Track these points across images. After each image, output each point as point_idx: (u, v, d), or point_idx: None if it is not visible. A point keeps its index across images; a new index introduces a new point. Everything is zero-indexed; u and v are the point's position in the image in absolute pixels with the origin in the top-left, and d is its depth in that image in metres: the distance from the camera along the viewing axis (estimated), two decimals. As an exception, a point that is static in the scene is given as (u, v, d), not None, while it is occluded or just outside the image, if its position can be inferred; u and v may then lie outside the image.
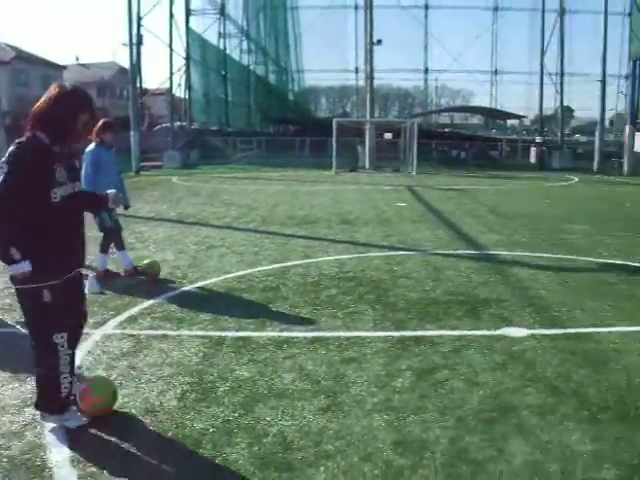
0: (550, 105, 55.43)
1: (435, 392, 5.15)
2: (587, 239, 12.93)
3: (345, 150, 35.55)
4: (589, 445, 4.35)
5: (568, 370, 5.69)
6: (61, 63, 70.07)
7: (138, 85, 38.22)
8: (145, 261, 9.18)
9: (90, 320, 5.99)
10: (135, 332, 6.59)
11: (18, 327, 6.43)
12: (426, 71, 59.03)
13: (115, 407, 4.78)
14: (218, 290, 8.36)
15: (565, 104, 52.56)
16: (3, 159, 4.13)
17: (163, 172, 32.87)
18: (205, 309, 7.36)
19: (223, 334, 6.52)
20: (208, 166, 36.06)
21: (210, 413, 4.70)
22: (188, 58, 45.13)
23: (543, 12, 51.02)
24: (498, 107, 56.28)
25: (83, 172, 7.73)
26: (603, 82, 40.11)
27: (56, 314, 4.34)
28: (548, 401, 5.04)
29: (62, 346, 4.39)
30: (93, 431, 4.46)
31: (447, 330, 6.73)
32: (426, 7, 57.12)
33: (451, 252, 11.05)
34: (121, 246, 9.09)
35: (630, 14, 39.05)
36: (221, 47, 54.46)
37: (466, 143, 46.69)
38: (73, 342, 4.57)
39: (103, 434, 4.42)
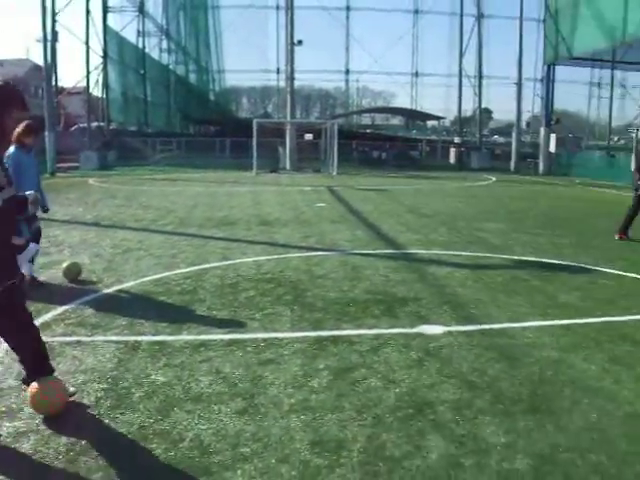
0: (469, 107, 56.52)
1: (352, 391, 5.17)
2: (503, 237, 13.23)
3: (266, 151, 35.49)
4: (503, 437, 4.45)
5: (483, 365, 5.81)
6: (-29, 59, 67.88)
7: (53, 83, 37.17)
8: (64, 264, 8.94)
9: None
10: (48, 339, 6.35)
11: None
12: (347, 72, 59.50)
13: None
14: (134, 294, 8.20)
15: (484, 106, 53.77)
16: None
17: (79, 174, 32.22)
18: (121, 314, 7.21)
19: (139, 339, 6.40)
20: (126, 167, 35.51)
21: (125, 420, 4.61)
22: (105, 56, 44.31)
23: (462, 16, 52.06)
24: (418, 108, 57.09)
25: None
26: (519, 85, 41.25)
27: None
28: (464, 396, 5.13)
29: None
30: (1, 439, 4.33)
31: (365, 329, 6.77)
32: (347, 9, 57.57)
33: (370, 252, 11.12)
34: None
35: (544, 20, 40.07)
36: (140, 46, 53.65)
37: (387, 144, 47.16)
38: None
39: (14, 445, 4.29)
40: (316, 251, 11.06)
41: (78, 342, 6.31)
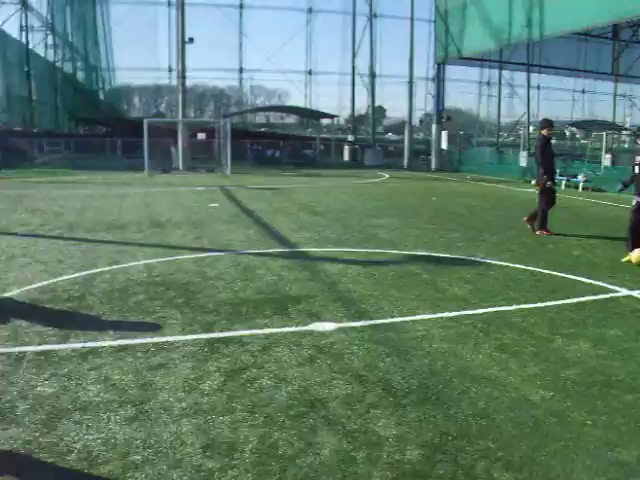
0: (363, 105, 57.18)
1: (244, 392, 5.14)
2: (395, 233, 13.44)
3: (159, 151, 34.85)
4: (394, 430, 4.53)
5: (374, 360, 5.88)
6: None
7: None
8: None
9: None
10: None
11: None
12: (241, 70, 59.08)
13: None
14: (19, 303, 7.86)
15: (378, 104, 54.63)
16: None
17: (-41, 178, 30.85)
18: (3, 324, 6.90)
19: (23, 349, 6.14)
20: (11, 170, 34.08)
21: (8, 435, 4.41)
22: (-16, 53, 42.52)
23: (354, 15, 52.52)
24: (313, 107, 57.35)
25: None
26: (411, 84, 42.09)
27: None
28: (355, 391, 5.18)
29: None
30: None
31: (256, 329, 6.74)
32: (240, 6, 57.13)
33: (262, 251, 11.08)
34: None
35: (435, 21, 40.96)
36: (23, 41, 51.69)
37: (281, 142, 47.19)
38: None
39: None
40: (208, 252, 10.93)
41: (-43, 356, 6.03)
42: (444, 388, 5.28)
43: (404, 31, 42.33)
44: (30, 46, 52.12)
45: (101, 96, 64.39)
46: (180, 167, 35.94)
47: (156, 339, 6.42)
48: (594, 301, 8.33)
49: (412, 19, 41.83)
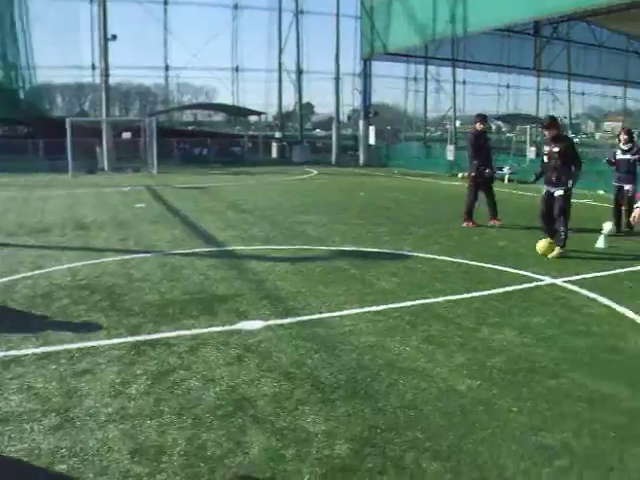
0: (291, 101, 57.04)
1: (171, 394, 5.08)
2: (322, 229, 13.47)
3: (83, 151, 34.12)
4: (323, 425, 4.54)
5: (302, 356, 5.88)
6: None
7: None
8: None
9: None
10: None
11: None
12: (167, 68, 58.26)
13: None
14: None
15: (305, 100, 54.51)
16: None
17: None
18: None
19: (-61, 362, 5.94)
20: None
21: None
22: None
23: (280, 11, 52.24)
24: (240, 104, 56.98)
25: None
26: (337, 80, 42.16)
27: None
28: (283, 388, 5.17)
29: None
30: None
31: (183, 330, 6.67)
32: (165, 2, 56.27)
33: (189, 251, 10.96)
34: None
35: (361, 17, 41.12)
36: None
37: (208, 140, 46.75)
38: None
39: None
40: (134, 253, 10.74)
41: None
42: (372, 382, 5.31)
43: (330, 27, 42.25)
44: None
45: (21, 95, 62.58)
46: (105, 167, 35.29)
47: (81, 344, 6.28)
48: (519, 290, 8.50)
49: (338, 15, 41.95)
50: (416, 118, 62.55)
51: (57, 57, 67.51)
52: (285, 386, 5.21)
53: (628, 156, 13.22)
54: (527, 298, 8.09)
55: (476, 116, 14.84)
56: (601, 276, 9.27)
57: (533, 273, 9.38)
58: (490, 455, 4.17)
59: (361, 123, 41.19)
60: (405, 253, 10.79)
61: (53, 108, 75.30)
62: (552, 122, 11.24)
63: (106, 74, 36.85)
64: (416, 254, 10.69)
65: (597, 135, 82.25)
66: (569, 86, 54.99)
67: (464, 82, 55.92)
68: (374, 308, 7.46)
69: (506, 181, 26.22)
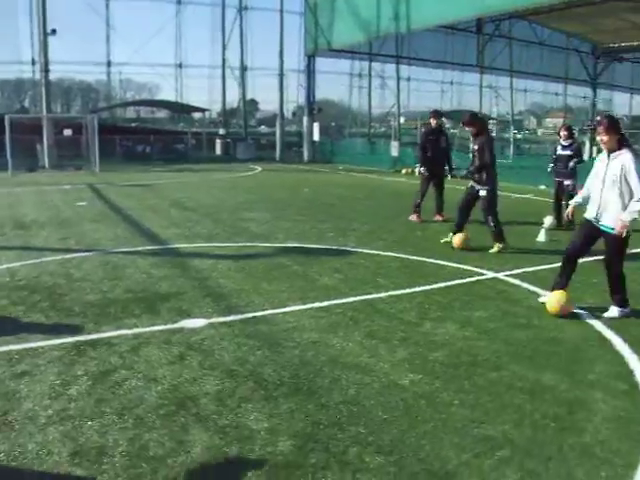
0: (235, 98, 56.72)
1: (113, 394, 5.02)
2: (266, 225, 13.44)
3: (23, 149, 33.45)
4: (266, 422, 4.54)
5: (245, 354, 5.87)
6: None
7: None
8: None
9: None
10: None
11: None
12: (109, 64, 57.43)
13: None
14: None
15: (250, 97, 54.27)
16: None
17: None
18: None
19: None
20: None
21: None
22: None
23: (224, 7, 51.84)
24: (184, 100, 56.47)
25: None
26: (281, 76, 42.10)
27: None
28: (226, 386, 5.16)
29: None
30: None
31: (125, 329, 6.58)
32: (107, -3, 55.48)
33: (131, 249, 10.80)
34: None
35: (305, 14, 41.11)
36: None
37: (151, 137, 46.25)
38: None
39: None
40: (75, 252, 10.54)
41: None
42: (315, 378, 5.32)
43: (275, 23, 42.15)
44: None
45: (-42, 91, 61.25)
46: (46, 165, 34.67)
47: (20, 346, 6.14)
48: (461, 285, 8.61)
49: (282, 11, 41.87)
50: (360, 114, 62.82)
51: (-4, 52, 66.08)
52: (228, 384, 5.20)
53: (568, 152, 13.46)
54: (469, 292, 8.21)
55: (430, 112, 14.92)
56: (542, 269, 9.45)
57: (475, 267, 9.51)
58: (432, 448, 4.22)
59: (305, 119, 41.27)
60: (349, 249, 10.83)
61: (-7, 105, 73.62)
62: (471, 118, 11.13)
63: (46, 69, 36.17)
64: (360, 250, 10.74)
65: (539, 131, 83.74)
66: (511, 83, 55.59)
67: (408, 79, 56.37)
68: (317, 304, 7.49)
69: (449, 177, 26.43)
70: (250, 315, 7.06)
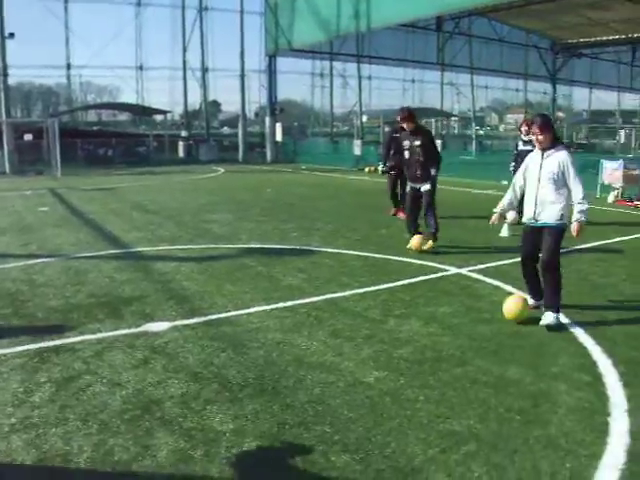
0: (197, 99, 56.41)
1: (77, 400, 4.97)
2: (229, 227, 13.41)
3: (-18, 155, 33.06)
4: (231, 424, 4.53)
5: (209, 356, 5.85)
6: None
7: None
8: None
9: None
10: None
11: None
12: (69, 67, 56.79)
13: None
14: None
15: (212, 98, 54.04)
16: None
17: None
18: None
19: None
20: None
21: None
22: None
23: (183, 8, 51.48)
24: (145, 103, 56.05)
25: None
26: (242, 77, 42.01)
27: None
28: (190, 389, 5.13)
29: None
30: None
31: (88, 334, 6.51)
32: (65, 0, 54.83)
33: (94, 254, 10.70)
34: None
35: (265, 14, 41.04)
36: None
37: (113, 140, 45.85)
38: None
39: None
40: (37, 258, 10.40)
41: None
42: (280, 378, 5.32)
43: (235, 24, 42.01)
44: None
45: None
46: (7, 170, 34.23)
47: (-20, 354, 6.08)
48: (425, 281, 8.67)
49: (242, 12, 41.76)
50: (323, 114, 62.90)
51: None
52: (192, 386, 5.18)
53: (529, 147, 13.57)
54: (433, 288, 8.27)
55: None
56: (504, 264, 9.56)
57: (438, 264, 9.58)
58: (398, 445, 4.24)
59: (267, 120, 41.24)
60: (312, 249, 10.85)
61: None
62: (409, 114, 10.78)
63: (4, 73, 35.66)
64: (323, 249, 10.76)
65: (501, 127, 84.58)
66: (472, 80, 56.19)
67: (370, 77, 56.59)
68: (281, 305, 7.49)
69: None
70: (214, 317, 7.04)
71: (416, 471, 3.94)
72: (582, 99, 66.39)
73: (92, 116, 71.94)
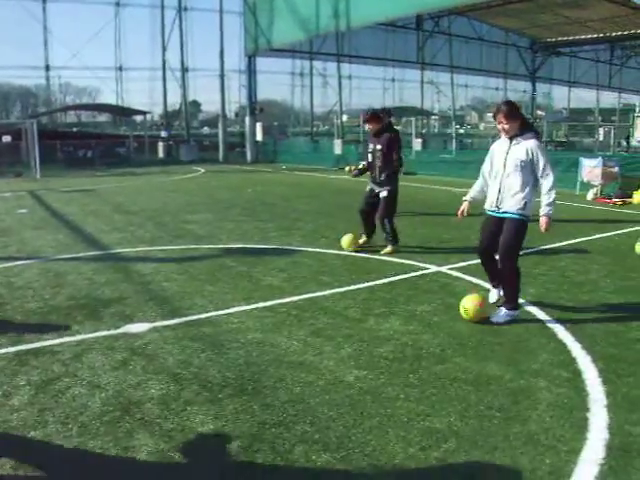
0: (177, 100, 56.25)
1: (56, 403, 4.94)
2: (209, 227, 13.39)
3: (-40, 158, 32.85)
4: (211, 425, 4.52)
5: (189, 357, 5.83)
6: None
7: None
8: None
9: None
10: None
11: None
12: (47, 68, 56.45)
13: None
14: None
15: (192, 98, 53.90)
16: None
17: None
18: None
19: None
20: None
21: None
22: None
23: (162, 9, 51.31)
24: (125, 104, 55.81)
25: None
26: (222, 77, 41.94)
27: None
28: (170, 390, 5.11)
29: None
30: None
31: (68, 337, 6.47)
32: (43, 0, 54.46)
33: (73, 256, 10.63)
34: None
35: (244, 13, 41.02)
36: None
37: (93, 142, 45.62)
38: None
39: None
40: (16, 261, 10.32)
41: None
42: (260, 378, 5.32)
43: (215, 24, 42.14)
44: None
45: None
46: (-15, 173, 34.02)
47: (-42, 358, 6.04)
48: (405, 279, 8.70)
49: (221, 11, 41.62)
50: (303, 113, 62.90)
51: None
52: (172, 387, 5.16)
53: None
54: (413, 287, 8.30)
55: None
56: (484, 262, 9.58)
57: (419, 262, 9.62)
58: (379, 443, 4.25)
59: (247, 120, 41.23)
60: (293, 248, 10.85)
61: None
62: (373, 115, 10.52)
63: (-18, 75, 35.43)
64: (304, 249, 10.77)
65: (481, 126, 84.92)
66: (452, 78, 56.40)
67: (350, 77, 56.54)
68: (261, 304, 7.48)
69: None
70: (194, 317, 7.02)
71: (397, 469, 3.95)
72: (561, 97, 66.80)
73: (71, 117, 71.57)
